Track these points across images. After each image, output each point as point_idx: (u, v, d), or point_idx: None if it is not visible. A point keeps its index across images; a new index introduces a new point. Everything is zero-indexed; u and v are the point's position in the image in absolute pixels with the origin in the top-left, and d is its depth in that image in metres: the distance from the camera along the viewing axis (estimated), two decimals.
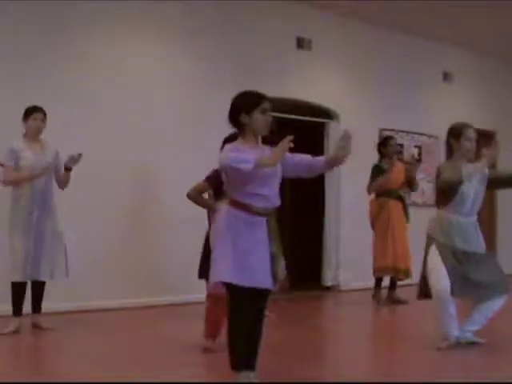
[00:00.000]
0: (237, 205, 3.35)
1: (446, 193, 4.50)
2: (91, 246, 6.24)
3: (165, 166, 6.87)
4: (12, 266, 5.09)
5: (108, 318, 5.99)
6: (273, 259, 3.37)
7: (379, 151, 7.20)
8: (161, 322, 5.88)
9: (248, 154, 3.23)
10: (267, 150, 3.41)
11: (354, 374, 3.90)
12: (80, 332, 5.30)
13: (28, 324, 5.24)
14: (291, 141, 3.21)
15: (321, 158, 3.52)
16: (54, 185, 5.39)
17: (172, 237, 6.80)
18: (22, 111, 5.31)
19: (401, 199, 7.11)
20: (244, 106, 3.38)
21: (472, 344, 4.55)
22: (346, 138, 3.35)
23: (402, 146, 9.11)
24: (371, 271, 7.16)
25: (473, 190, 4.50)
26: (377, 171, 7.03)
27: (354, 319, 6.25)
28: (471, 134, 4.56)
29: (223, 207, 3.42)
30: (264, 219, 3.38)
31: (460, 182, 4.40)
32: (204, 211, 4.71)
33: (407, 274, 6.91)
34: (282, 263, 3.41)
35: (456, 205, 4.49)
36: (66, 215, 5.66)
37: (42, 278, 5.22)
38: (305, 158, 3.50)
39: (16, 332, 5.07)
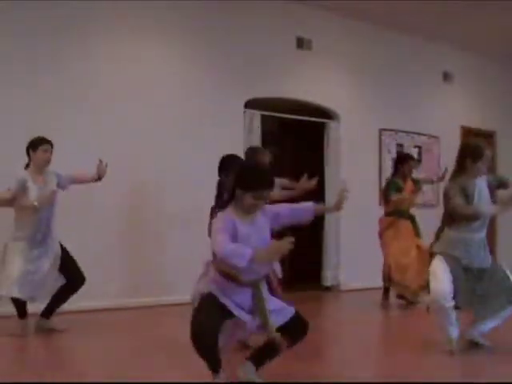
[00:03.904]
0: (222, 274, 3.27)
1: (455, 216, 4.37)
2: (91, 247, 6.24)
3: (165, 166, 6.87)
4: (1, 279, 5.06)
5: (107, 317, 5.99)
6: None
7: (395, 166, 6.90)
8: (161, 322, 5.88)
9: (244, 248, 3.03)
10: (259, 217, 3.28)
11: (354, 374, 3.90)
12: (79, 332, 5.29)
13: (30, 325, 5.22)
14: (292, 243, 3.00)
15: (307, 205, 3.47)
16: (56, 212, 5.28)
17: (172, 237, 6.81)
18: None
19: (411, 218, 6.88)
20: (242, 183, 3.21)
21: (475, 345, 4.53)
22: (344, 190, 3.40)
23: (402, 146, 9.12)
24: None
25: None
26: (394, 187, 6.75)
27: (354, 319, 6.24)
28: (489, 156, 4.40)
29: (211, 273, 3.34)
30: (249, 289, 3.27)
31: (476, 219, 4.31)
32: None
33: (407, 290, 6.73)
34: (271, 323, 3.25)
35: (465, 224, 4.37)
36: (66, 215, 5.66)
37: (37, 302, 5.20)
38: (285, 207, 3.40)
39: (21, 334, 5.08)
